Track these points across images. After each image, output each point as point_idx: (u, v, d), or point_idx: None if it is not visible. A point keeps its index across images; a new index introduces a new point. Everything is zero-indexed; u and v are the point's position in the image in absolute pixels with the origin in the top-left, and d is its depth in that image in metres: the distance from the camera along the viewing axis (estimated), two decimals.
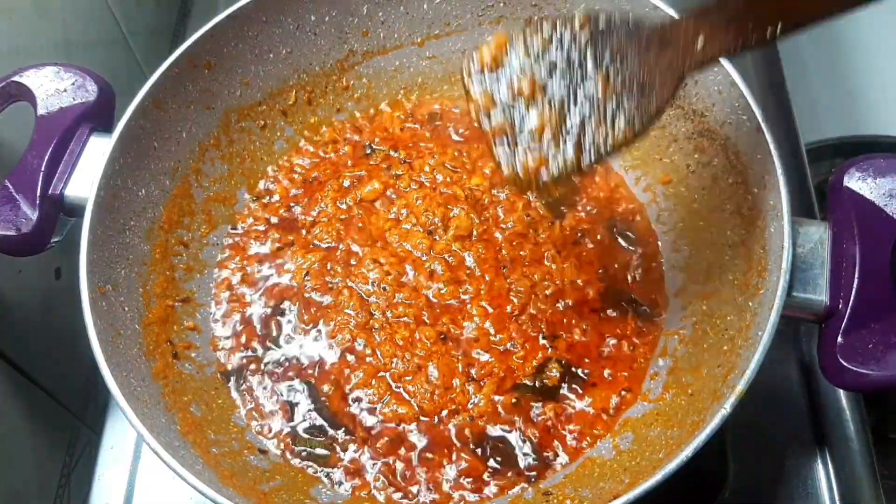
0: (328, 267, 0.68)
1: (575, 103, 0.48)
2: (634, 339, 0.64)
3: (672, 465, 0.47)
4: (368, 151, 0.75)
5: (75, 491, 0.80)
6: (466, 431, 0.61)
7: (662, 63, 0.48)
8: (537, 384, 0.62)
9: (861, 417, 0.67)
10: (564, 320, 0.65)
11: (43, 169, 0.60)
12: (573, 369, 0.63)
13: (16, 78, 0.64)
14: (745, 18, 0.46)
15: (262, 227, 0.71)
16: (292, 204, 0.73)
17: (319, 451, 0.61)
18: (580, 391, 0.62)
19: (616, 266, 0.68)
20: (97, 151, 0.61)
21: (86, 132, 0.63)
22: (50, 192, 0.61)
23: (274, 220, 0.72)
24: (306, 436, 0.62)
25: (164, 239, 0.66)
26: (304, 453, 0.61)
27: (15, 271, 0.72)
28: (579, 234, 0.69)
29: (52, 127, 0.62)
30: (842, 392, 0.68)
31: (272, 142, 0.74)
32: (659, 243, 0.69)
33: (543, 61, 0.49)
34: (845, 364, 0.51)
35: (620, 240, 0.69)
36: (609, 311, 0.65)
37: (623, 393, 0.62)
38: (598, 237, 0.69)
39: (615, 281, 0.67)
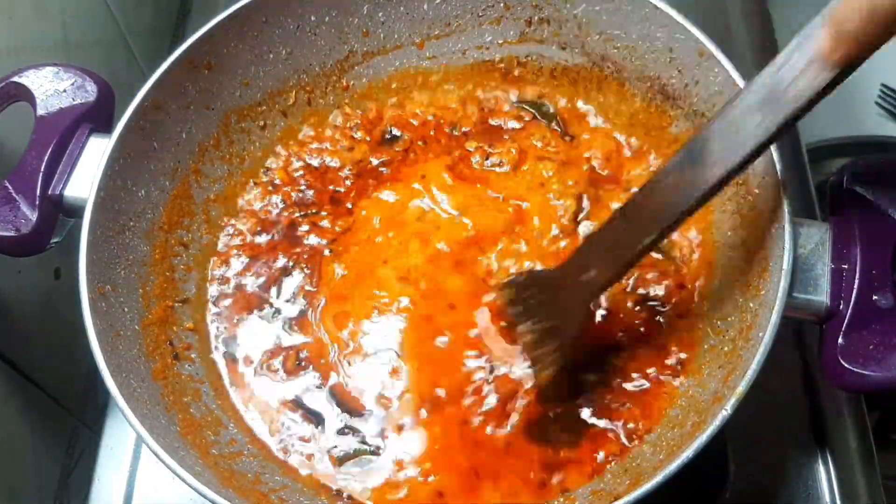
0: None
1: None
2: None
3: (673, 466, 0.47)
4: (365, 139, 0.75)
5: (75, 491, 0.80)
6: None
7: (568, 299, 0.57)
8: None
9: (861, 418, 0.67)
10: None
11: (42, 169, 0.60)
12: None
13: (15, 78, 0.64)
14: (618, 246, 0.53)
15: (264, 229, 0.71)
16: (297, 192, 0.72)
17: None
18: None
19: None
20: (97, 152, 0.61)
21: (85, 133, 0.62)
22: (49, 192, 0.61)
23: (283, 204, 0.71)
24: None
25: (163, 239, 0.66)
26: None
27: (15, 271, 0.72)
28: None
29: (52, 127, 0.62)
30: (842, 393, 0.68)
31: (272, 142, 0.74)
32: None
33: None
34: (846, 365, 0.51)
35: None
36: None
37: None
38: None
39: None
